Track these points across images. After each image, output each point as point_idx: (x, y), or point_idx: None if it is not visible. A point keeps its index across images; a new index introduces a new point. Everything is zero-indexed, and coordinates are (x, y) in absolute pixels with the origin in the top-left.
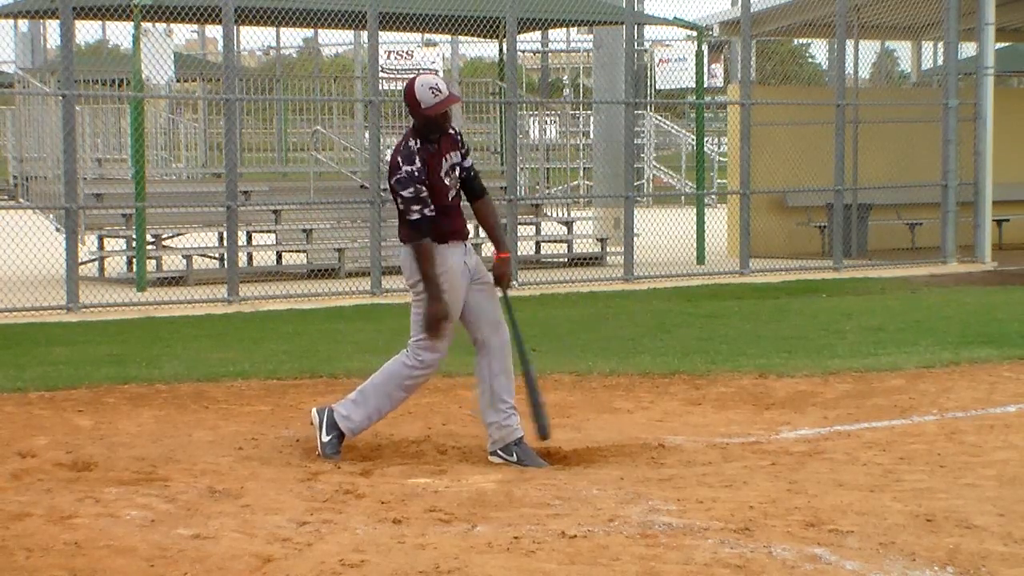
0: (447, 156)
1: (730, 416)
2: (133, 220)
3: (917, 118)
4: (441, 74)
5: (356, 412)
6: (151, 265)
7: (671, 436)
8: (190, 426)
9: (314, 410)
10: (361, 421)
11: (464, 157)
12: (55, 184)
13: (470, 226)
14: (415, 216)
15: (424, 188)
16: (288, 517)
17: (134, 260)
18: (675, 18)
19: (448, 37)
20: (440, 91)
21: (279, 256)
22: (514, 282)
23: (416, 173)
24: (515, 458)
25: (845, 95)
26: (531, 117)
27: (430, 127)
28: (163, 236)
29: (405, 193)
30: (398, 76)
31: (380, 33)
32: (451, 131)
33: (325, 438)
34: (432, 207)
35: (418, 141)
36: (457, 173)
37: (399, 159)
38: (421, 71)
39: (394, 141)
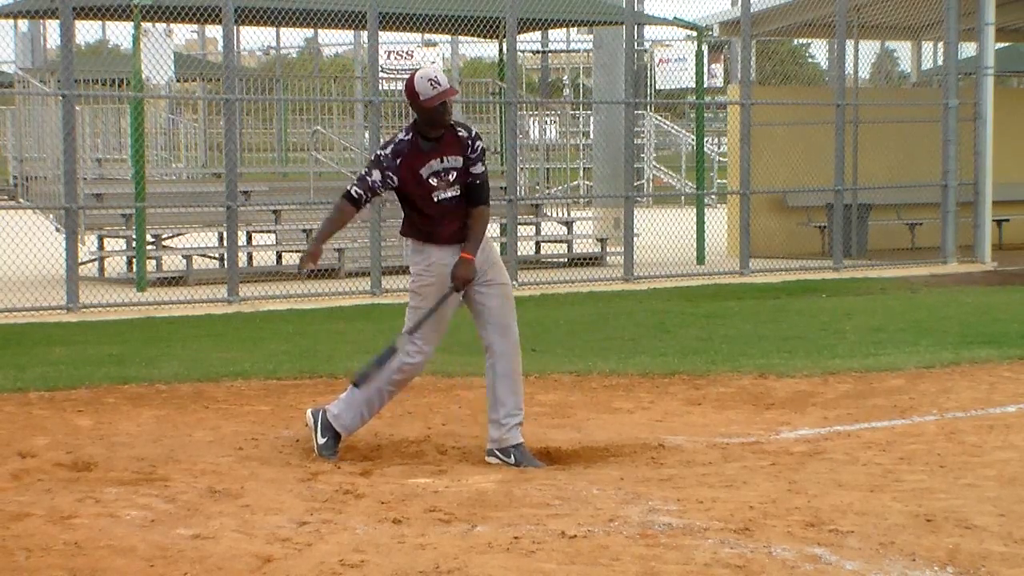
0: (443, 159)
1: (730, 416)
2: (133, 220)
3: (917, 118)
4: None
5: (347, 411)
6: (151, 265)
7: (671, 436)
8: (190, 426)
9: (309, 412)
10: (353, 419)
11: (472, 162)
12: (55, 184)
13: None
14: (349, 186)
15: (380, 177)
16: (288, 517)
17: (134, 260)
18: (675, 18)
19: (448, 37)
20: (439, 84)
21: (279, 256)
22: (513, 282)
23: (382, 159)
24: (512, 460)
25: (845, 95)
26: (531, 117)
27: (429, 120)
28: (163, 236)
29: (363, 170)
30: (398, 76)
31: (380, 33)
32: (460, 133)
33: (321, 440)
34: (372, 188)
35: (410, 134)
36: (452, 177)
37: (386, 141)
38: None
39: None
